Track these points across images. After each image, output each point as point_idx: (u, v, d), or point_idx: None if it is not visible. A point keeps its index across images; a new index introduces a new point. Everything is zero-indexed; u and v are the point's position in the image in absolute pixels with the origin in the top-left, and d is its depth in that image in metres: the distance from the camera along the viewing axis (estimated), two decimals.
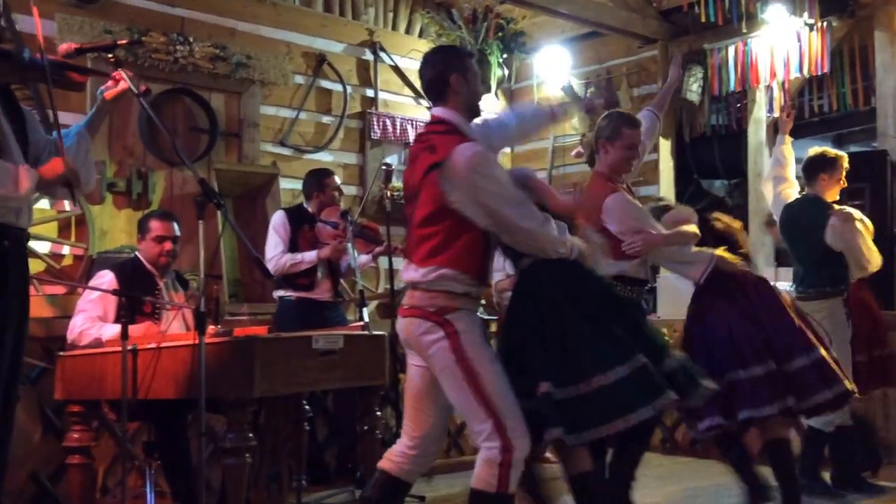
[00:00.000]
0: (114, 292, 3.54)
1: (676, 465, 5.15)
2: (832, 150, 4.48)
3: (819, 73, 5.68)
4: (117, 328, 3.29)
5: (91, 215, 4.87)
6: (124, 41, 2.76)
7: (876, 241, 4.46)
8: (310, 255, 4.58)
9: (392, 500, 2.86)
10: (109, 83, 2.71)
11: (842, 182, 4.37)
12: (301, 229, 4.66)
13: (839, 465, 4.35)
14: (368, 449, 3.94)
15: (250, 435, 3.18)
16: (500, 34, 6.54)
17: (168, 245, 3.81)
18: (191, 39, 5.24)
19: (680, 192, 6.41)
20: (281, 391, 3.33)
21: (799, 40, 5.68)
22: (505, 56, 6.60)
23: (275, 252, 4.58)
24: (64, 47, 2.64)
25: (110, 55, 2.62)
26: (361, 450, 4.11)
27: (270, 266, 4.51)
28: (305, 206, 4.77)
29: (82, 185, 2.68)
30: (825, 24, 5.61)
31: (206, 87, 5.42)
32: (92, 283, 3.78)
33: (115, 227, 5.02)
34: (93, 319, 3.64)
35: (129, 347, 3.14)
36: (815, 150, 4.48)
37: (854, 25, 5.73)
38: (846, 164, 4.37)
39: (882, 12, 5.54)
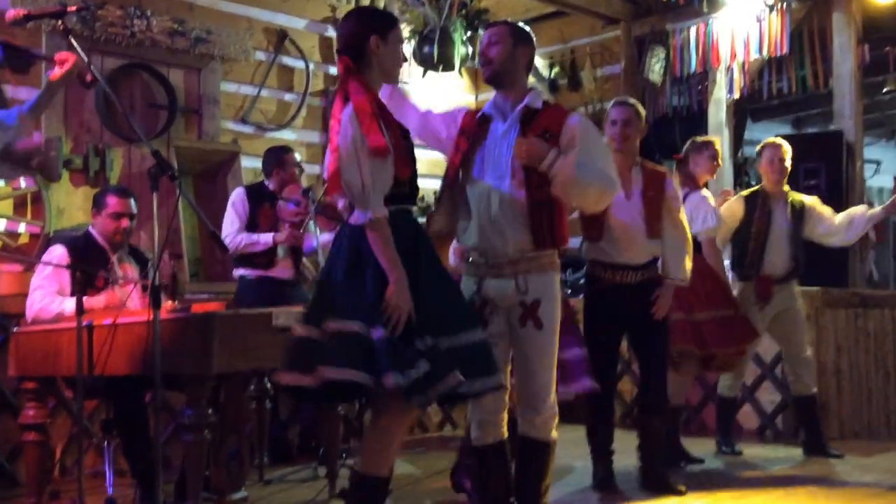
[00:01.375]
0: (66, 266, 3.49)
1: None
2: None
3: (778, 55, 5.75)
4: None
5: (47, 193, 4.78)
6: (74, 7, 2.70)
7: None
8: (265, 238, 4.51)
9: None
10: (56, 67, 2.66)
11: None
12: (262, 207, 4.60)
13: (809, 432, 4.57)
14: (330, 426, 3.95)
15: (209, 411, 3.16)
16: (463, 11, 6.49)
17: (125, 222, 3.74)
18: (148, 13, 5.13)
19: None
20: (240, 367, 3.30)
21: (759, 21, 5.74)
22: (469, 34, 6.55)
23: (231, 229, 4.51)
24: (12, 14, 2.58)
25: (60, 22, 2.57)
26: (323, 427, 4.11)
27: (226, 243, 4.47)
28: (266, 183, 4.72)
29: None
30: (784, 5, 5.67)
31: (165, 62, 5.32)
32: (44, 258, 3.72)
33: (72, 204, 4.93)
34: (51, 294, 3.59)
35: (85, 323, 3.10)
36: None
37: (813, 7, 5.80)
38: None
39: None
